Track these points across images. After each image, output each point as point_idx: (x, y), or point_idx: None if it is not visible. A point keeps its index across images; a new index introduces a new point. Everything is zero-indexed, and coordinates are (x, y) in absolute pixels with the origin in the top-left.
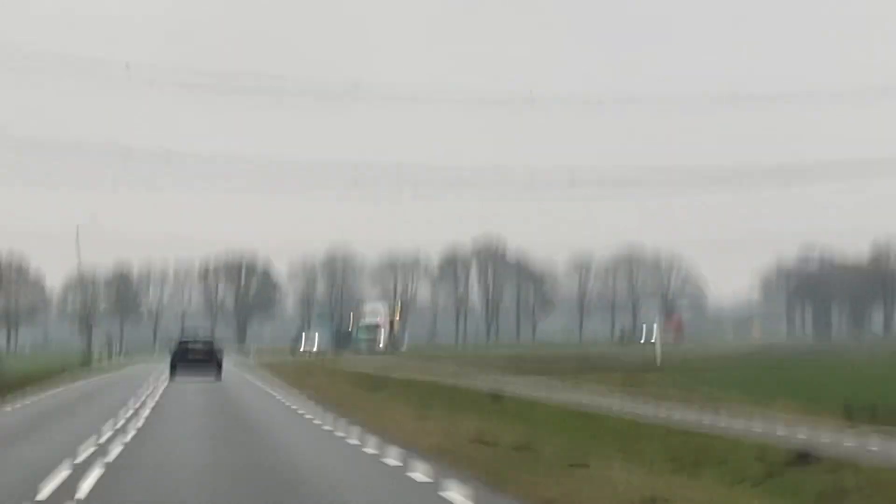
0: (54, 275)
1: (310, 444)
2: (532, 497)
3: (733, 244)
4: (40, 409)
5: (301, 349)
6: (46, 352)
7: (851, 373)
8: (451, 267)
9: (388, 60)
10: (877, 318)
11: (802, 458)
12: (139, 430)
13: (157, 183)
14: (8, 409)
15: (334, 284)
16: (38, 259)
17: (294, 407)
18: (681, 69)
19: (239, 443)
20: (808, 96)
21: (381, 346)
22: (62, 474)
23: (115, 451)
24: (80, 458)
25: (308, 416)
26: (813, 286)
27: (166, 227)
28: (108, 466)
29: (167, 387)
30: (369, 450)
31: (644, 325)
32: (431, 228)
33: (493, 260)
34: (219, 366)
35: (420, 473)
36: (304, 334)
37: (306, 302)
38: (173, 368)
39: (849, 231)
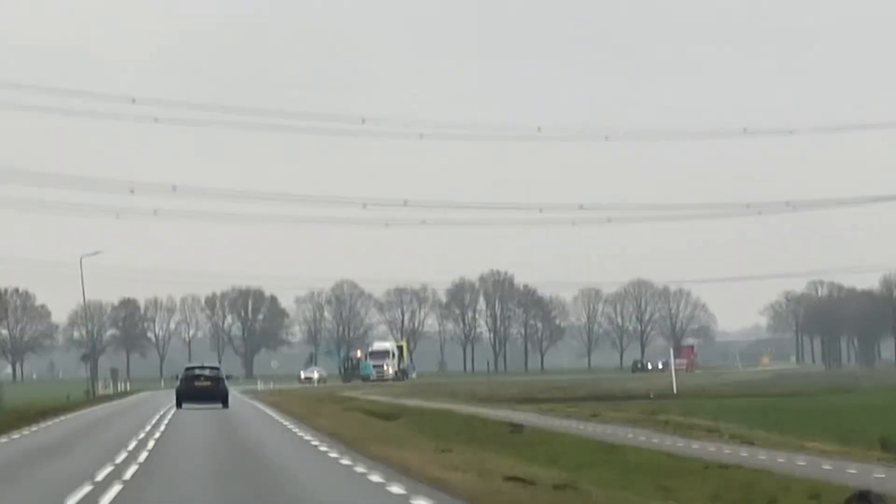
0: (61, 307)
1: (330, 485)
2: None
3: (742, 275)
4: (35, 443)
5: (303, 378)
6: (52, 382)
7: (877, 403)
8: (459, 297)
9: (395, 95)
10: (886, 348)
11: (863, 497)
12: (140, 466)
13: (163, 216)
14: (3, 440)
15: (342, 315)
16: (45, 291)
17: (307, 438)
18: (689, 104)
19: (249, 483)
20: (817, 131)
21: (389, 375)
22: None
23: (110, 495)
24: None
25: (323, 449)
26: (822, 316)
27: (173, 260)
28: None
29: (172, 418)
30: (395, 489)
31: (656, 356)
32: (439, 260)
33: (500, 290)
34: (225, 394)
35: None
36: (312, 364)
37: (314, 332)
38: (179, 396)
39: (857, 262)
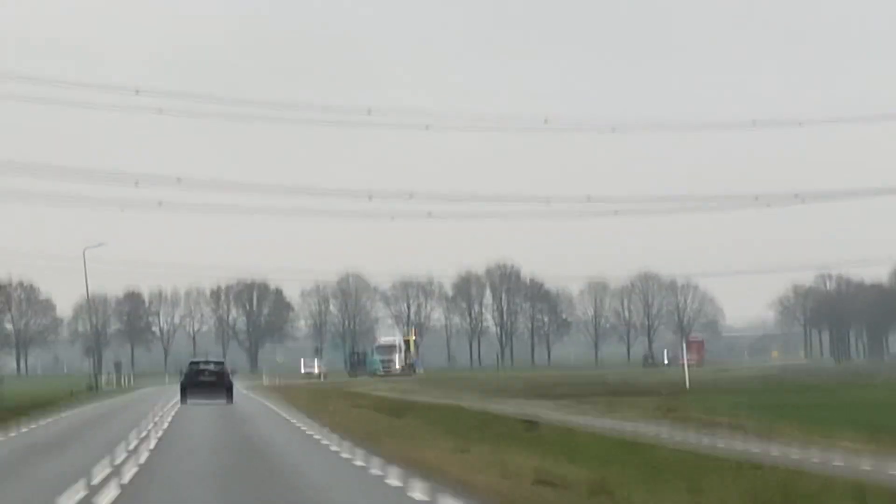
0: (66, 300)
1: (344, 490)
2: None
3: (749, 268)
4: (31, 440)
5: (304, 372)
6: (57, 376)
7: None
8: (465, 290)
9: (402, 86)
10: (894, 342)
11: None
12: (140, 467)
13: (168, 208)
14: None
15: (347, 307)
16: (50, 284)
17: (316, 437)
18: (698, 95)
19: (256, 488)
20: (826, 122)
21: (396, 368)
22: None
23: (106, 501)
24: None
25: (334, 448)
26: (830, 309)
27: (178, 252)
28: None
29: (176, 413)
30: (417, 495)
31: (665, 349)
32: (445, 252)
33: (507, 283)
34: (230, 388)
35: None
36: (316, 357)
37: (319, 325)
38: (184, 390)
39: (867, 255)
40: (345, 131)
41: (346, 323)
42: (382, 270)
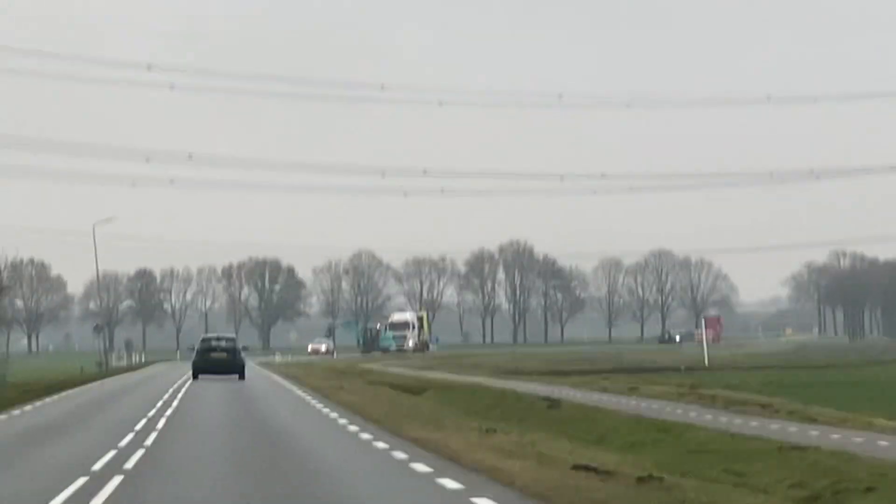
0: (77, 278)
1: (368, 477)
2: None
3: (763, 246)
4: (35, 421)
5: (311, 350)
6: (68, 354)
7: None
8: (479, 268)
9: (415, 62)
10: None
11: None
12: (147, 450)
13: (180, 185)
14: (2, 417)
15: (360, 286)
16: (61, 262)
17: (332, 416)
18: (712, 71)
19: (271, 474)
20: (841, 98)
21: (409, 346)
22: None
23: (107, 490)
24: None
25: (352, 429)
26: (844, 286)
27: (190, 229)
28: None
29: (185, 394)
30: (449, 482)
31: (676, 327)
32: (458, 230)
33: (520, 261)
34: (241, 365)
35: None
36: (326, 336)
37: (331, 303)
38: (196, 368)
39: (880, 231)
40: (358, 107)
41: (359, 301)
42: (395, 248)
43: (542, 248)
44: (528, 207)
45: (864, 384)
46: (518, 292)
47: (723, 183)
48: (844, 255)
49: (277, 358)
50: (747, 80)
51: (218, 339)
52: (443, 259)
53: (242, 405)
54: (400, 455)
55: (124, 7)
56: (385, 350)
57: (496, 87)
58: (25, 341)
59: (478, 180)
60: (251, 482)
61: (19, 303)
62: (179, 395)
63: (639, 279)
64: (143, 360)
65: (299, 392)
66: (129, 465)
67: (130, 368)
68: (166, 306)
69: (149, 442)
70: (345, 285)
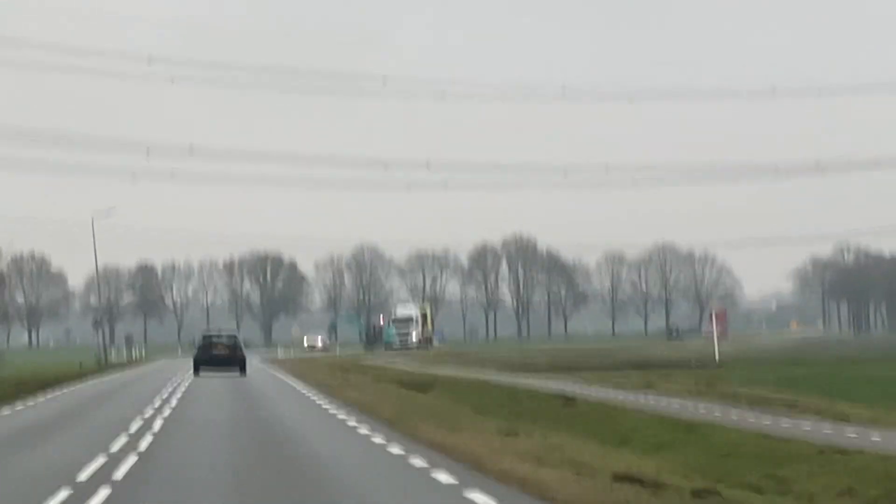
0: (77, 272)
1: (383, 484)
2: None
3: (766, 239)
4: (21, 422)
5: (307, 345)
6: (68, 349)
7: None
8: (481, 262)
9: (417, 55)
10: None
11: None
12: (140, 457)
13: (181, 178)
14: None
15: (362, 280)
16: (61, 256)
17: (340, 416)
18: (717, 63)
19: (277, 485)
20: (846, 91)
21: (413, 342)
22: None
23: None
24: None
25: (363, 432)
26: (849, 281)
27: (191, 223)
28: None
29: (186, 390)
30: (480, 497)
31: (680, 321)
32: (461, 223)
33: (523, 255)
34: (243, 361)
35: None
36: (324, 331)
37: (333, 298)
38: (197, 363)
39: (886, 226)
40: (360, 100)
41: (361, 295)
42: (398, 241)
43: (545, 241)
44: (532, 201)
45: (881, 381)
46: (521, 287)
47: (727, 176)
48: (849, 249)
49: (280, 353)
50: (752, 73)
51: (219, 334)
52: (446, 253)
53: (244, 404)
54: (418, 462)
55: None
56: (388, 345)
57: (499, 79)
58: (26, 336)
59: (481, 173)
60: (256, 496)
61: (20, 297)
62: (178, 393)
63: (642, 273)
64: (143, 355)
65: (303, 389)
66: (119, 474)
67: (130, 364)
68: (167, 301)
69: (143, 446)
70: (347, 280)
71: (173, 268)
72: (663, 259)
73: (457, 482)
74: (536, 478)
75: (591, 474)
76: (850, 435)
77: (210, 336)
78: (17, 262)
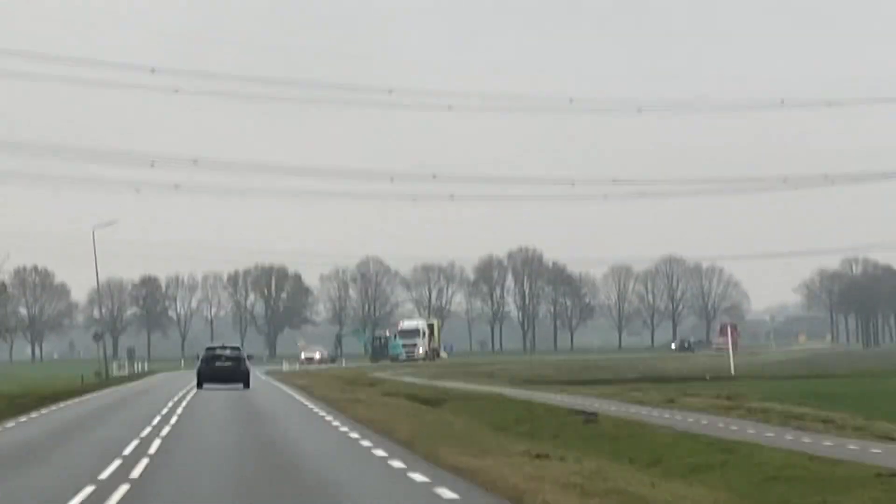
0: (81, 285)
1: None
2: None
3: (773, 251)
4: (10, 442)
5: (304, 358)
6: (72, 362)
7: None
8: (487, 275)
9: (424, 66)
10: None
11: None
12: (132, 485)
13: (185, 190)
14: None
15: (367, 293)
16: (64, 269)
17: (353, 436)
18: (725, 75)
19: None
20: (855, 103)
21: (420, 354)
22: None
23: None
24: None
25: (379, 453)
26: (857, 294)
27: (195, 235)
28: None
29: (185, 408)
30: None
31: (687, 334)
32: (467, 236)
33: (529, 270)
34: (246, 374)
35: None
36: (339, 342)
37: (338, 311)
38: (200, 377)
39: (893, 239)
40: (366, 112)
41: (367, 308)
42: (403, 254)
43: (551, 254)
44: (538, 213)
45: None
46: (527, 299)
47: (734, 188)
48: (857, 261)
49: (285, 366)
50: (760, 85)
51: (223, 348)
52: (451, 265)
53: (249, 423)
54: (448, 494)
55: (128, 9)
56: (394, 358)
57: (506, 91)
58: (29, 349)
59: (487, 186)
60: None
61: (23, 310)
62: (179, 410)
63: (649, 286)
64: (145, 368)
65: (311, 405)
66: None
67: (132, 378)
68: (171, 313)
69: (136, 473)
70: (352, 292)
71: (177, 281)
72: (670, 272)
73: None
74: None
75: None
76: None
77: (214, 349)
78: (21, 275)
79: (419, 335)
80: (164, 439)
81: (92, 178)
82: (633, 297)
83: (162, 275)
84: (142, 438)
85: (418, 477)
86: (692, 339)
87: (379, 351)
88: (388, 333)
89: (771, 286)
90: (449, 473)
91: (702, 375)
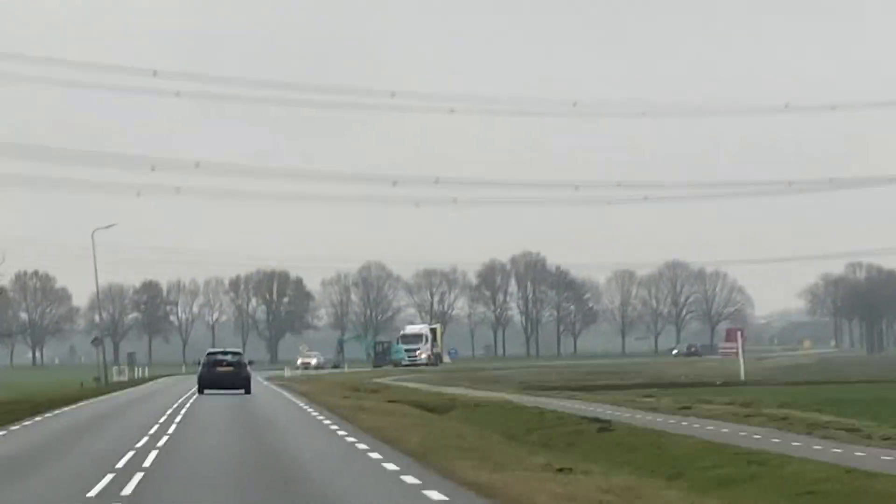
0: (81, 290)
1: None
2: None
3: (776, 256)
4: (1, 453)
5: (300, 363)
6: (73, 367)
7: None
8: (490, 280)
9: (427, 70)
10: None
11: None
12: (124, 502)
13: (187, 195)
14: None
15: (369, 298)
16: (65, 274)
17: (361, 447)
18: (729, 79)
19: None
20: (859, 107)
21: (422, 359)
22: None
23: None
24: None
25: (390, 467)
26: (861, 298)
27: (196, 240)
28: None
29: (183, 417)
30: None
31: (690, 340)
32: (470, 240)
33: (532, 275)
34: (247, 380)
35: None
36: (341, 347)
37: (340, 316)
38: (201, 382)
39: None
40: (368, 115)
41: (368, 313)
42: (406, 259)
43: (554, 259)
44: (541, 217)
45: None
46: (530, 304)
47: (738, 192)
48: (861, 266)
49: (287, 372)
50: (765, 89)
51: (224, 353)
52: (454, 270)
53: (251, 434)
54: None
55: (129, 13)
56: (397, 363)
57: (509, 95)
58: (30, 354)
59: (490, 190)
60: None
61: (23, 315)
62: (178, 419)
63: (653, 291)
64: (145, 374)
65: (314, 413)
66: None
67: (132, 383)
68: (172, 318)
69: (128, 490)
70: (354, 297)
71: (179, 286)
72: (674, 277)
73: None
74: None
75: None
76: None
77: (215, 354)
78: (21, 280)
79: (422, 340)
80: (161, 451)
81: (93, 183)
82: (637, 301)
83: (163, 280)
84: (137, 450)
85: (435, 495)
86: (699, 345)
87: (381, 356)
88: (390, 339)
89: (774, 291)
90: (468, 492)
91: (711, 381)
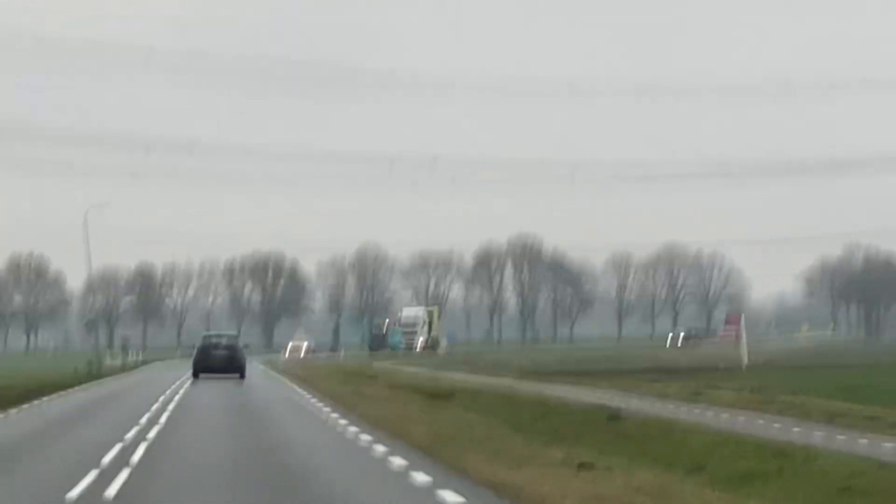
0: (76, 274)
1: None
2: None
3: (776, 241)
4: None
5: (291, 348)
6: (67, 353)
7: None
8: (486, 265)
9: (425, 48)
10: None
11: None
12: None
13: (181, 176)
14: None
15: (365, 283)
16: (60, 258)
17: (365, 438)
18: (728, 60)
19: None
20: (861, 87)
21: (420, 344)
22: None
23: None
24: None
25: (398, 462)
26: (859, 283)
27: (191, 223)
28: None
29: (176, 406)
30: None
31: (687, 323)
32: (466, 225)
33: (528, 258)
34: (242, 364)
35: None
36: (337, 333)
37: (336, 300)
38: (196, 366)
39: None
40: (365, 95)
41: (364, 297)
42: (402, 241)
43: (551, 241)
44: (538, 198)
45: None
46: (526, 289)
47: (737, 175)
48: (859, 250)
49: (282, 357)
50: (763, 71)
51: (219, 336)
52: (450, 253)
53: (247, 424)
54: None
55: None
56: (394, 348)
57: (508, 73)
58: (24, 339)
59: (487, 170)
60: None
61: (17, 300)
62: (170, 407)
63: (650, 274)
64: (140, 359)
65: (314, 401)
66: None
67: (125, 369)
68: (168, 302)
69: (112, 490)
70: (350, 282)
71: (174, 269)
72: (671, 260)
73: None
74: None
75: None
76: None
77: (210, 337)
78: (15, 264)
79: (419, 324)
80: (150, 444)
81: (87, 165)
82: (634, 285)
83: (158, 263)
84: (125, 443)
85: (450, 496)
86: (696, 330)
87: (377, 341)
88: (387, 322)
89: (769, 275)
90: (485, 489)
91: (713, 367)
